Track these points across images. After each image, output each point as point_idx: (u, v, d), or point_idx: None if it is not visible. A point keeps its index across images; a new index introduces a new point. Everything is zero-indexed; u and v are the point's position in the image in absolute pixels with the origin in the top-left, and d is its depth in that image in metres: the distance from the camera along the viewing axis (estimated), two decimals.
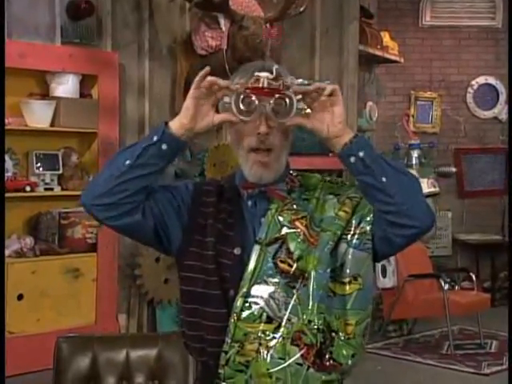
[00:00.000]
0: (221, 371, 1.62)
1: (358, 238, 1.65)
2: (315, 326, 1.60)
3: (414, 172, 5.79)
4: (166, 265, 4.40)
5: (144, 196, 1.68)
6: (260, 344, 1.59)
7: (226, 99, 1.66)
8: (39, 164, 3.93)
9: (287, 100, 1.62)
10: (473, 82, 7.36)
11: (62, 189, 4.00)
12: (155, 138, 1.65)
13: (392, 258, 5.34)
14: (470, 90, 7.36)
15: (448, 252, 7.28)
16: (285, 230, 1.66)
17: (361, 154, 1.59)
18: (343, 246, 1.66)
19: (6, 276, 3.57)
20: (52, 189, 3.96)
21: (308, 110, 1.65)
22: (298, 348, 1.59)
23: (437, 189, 5.83)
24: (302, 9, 4.38)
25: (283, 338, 1.59)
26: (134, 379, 2.19)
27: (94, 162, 4.09)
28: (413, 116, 7.17)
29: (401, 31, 6.97)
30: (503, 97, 7.37)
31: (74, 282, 3.97)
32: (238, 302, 1.62)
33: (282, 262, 1.64)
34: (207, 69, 1.66)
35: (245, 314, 1.61)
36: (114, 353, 2.20)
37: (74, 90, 4.01)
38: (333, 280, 1.64)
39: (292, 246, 1.65)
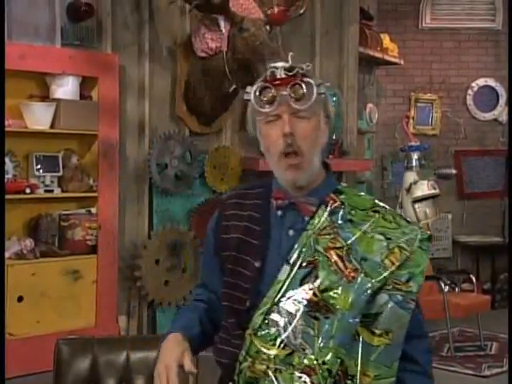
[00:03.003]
0: (235, 378, 1.61)
1: (402, 295, 1.57)
2: (328, 369, 1.53)
3: (413, 174, 5.80)
4: (166, 267, 4.40)
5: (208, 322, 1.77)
6: (268, 367, 1.55)
7: (246, 96, 1.67)
8: (39, 166, 3.93)
9: (304, 86, 1.62)
10: (473, 84, 7.36)
11: (62, 191, 3.99)
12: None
13: None
14: (469, 91, 7.37)
15: (448, 254, 7.28)
16: (318, 257, 1.59)
17: None
18: (384, 297, 1.57)
19: (6, 278, 3.57)
20: (52, 191, 3.96)
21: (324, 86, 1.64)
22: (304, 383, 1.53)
23: (437, 190, 5.83)
24: (302, 11, 4.38)
25: (293, 367, 1.53)
26: (134, 381, 2.18)
27: (95, 163, 4.09)
28: (413, 118, 7.17)
29: (401, 33, 6.98)
30: (503, 99, 7.37)
31: (73, 283, 3.97)
32: (258, 319, 1.58)
33: (309, 288, 1.57)
34: None
35: (261, 332, 1.57)
36: (114, 355, 2.19)
37: (74, 92, 4.01)
38: (362, 325, 1.56)
39: (321, 275, 1.57)
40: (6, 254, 3.68)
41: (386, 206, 1.70)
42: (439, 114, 7.31)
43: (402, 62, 6.58)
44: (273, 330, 1.56)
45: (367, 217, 1.65)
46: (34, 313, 3.81)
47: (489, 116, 7.43)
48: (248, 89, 1.67)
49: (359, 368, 1.55)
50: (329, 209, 1.65)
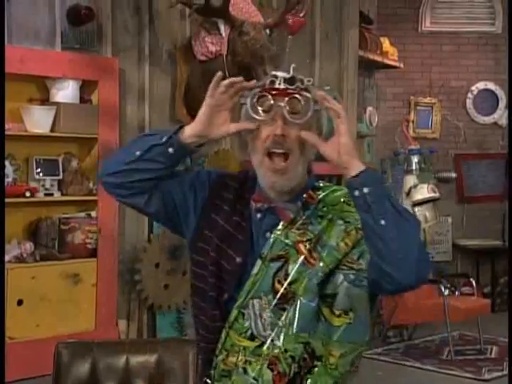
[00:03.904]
0: (211, 372, 1.66)
1: (354, 274, 1.61)
2: (291, 355, 1.58)
3: (413, 177, 5.81)
4: (166, 270, 4.40)
5: (152, 185, 1.71)
6: (238, 359, 1.60)
7: (242, 100, 1.67)
8: (39, 169, 3.93)
9: (303, 100, 1.62)
10: (472, 88, 7.36)
11: (62, 194, 3.99)
12: (164, 139, 1.67)
13: None
14: (469, 95, 7.37)
15: (448, 257, 7.28)
16: (288, 250, 1.64)
17: (365, 189, 1.51)
18: (339, 277, 1.61)
19: (5, 281, 3.56)
20: (52, 194, 3.96)
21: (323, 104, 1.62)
22: (271, 373, 1.58)
23: (437, 194, 5.83)
24: (301, 14, 4.39)
25: (262, 358, 1.59)
26: None
27: (94, 167, 4.09)
28: (413, 121, 7.17)
29: (400, 37, 6.98)
30: (503, 102, 7.38)
31: (73, 287, 3.97)
32: (234, 313, 1.63)
33: (278, 282, 1.62)
34: (220, 74, 1.69)
35: (236, 325, 1.63)
36: (114, 358, 2.20)
37: (74, 96, 4.01)
38: (325, 306, 1.61)
39: (291, 269, 1.62)
40: (6, 258, 3.68)
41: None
42: (439, 117, 7.32)
43: (402, 66, 6.59)
44: (246, 323, 1.61)
45: (334, 208, 1.68)
46: (34, 316, 3.81)
47: (488, 119, 7.43)
48: (245, 93, 1.67)
49: (326, 348, 1.60)
50: (302, 203, 1.67)
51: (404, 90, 7.22)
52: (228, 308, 1.65)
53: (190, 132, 1.68)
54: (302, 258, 1.62)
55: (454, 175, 7.09)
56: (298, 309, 1.59)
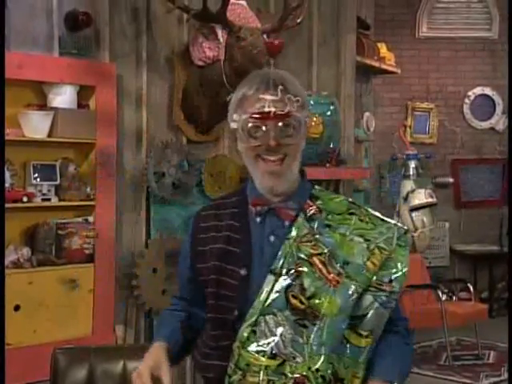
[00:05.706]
0: None
1: (386, 296, 1.60)
2: (322, 375, 1.54)
3: (411, 183, 5.82)
4: (164, 275, 4.39)
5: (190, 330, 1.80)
6: (260, 378, 1.55)
7: (233, 125, 1.66)
8: (36, 175, 3.92)
9: (295, 123, 1.62)
10: (469, 93, 7.38)
11: (60, 199, 3.99)
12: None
13: None
14: (466, 100, 7.39)
15: (445, 263, 7.29)
16: (301, 264, 1.60)
17: None
18: (369, 299, 1.59)
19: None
20: (49, 199, 3.95)
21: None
22: None
23: (434, 199, 5.84)
24: (299, 20, 4.39)
25: (285, 376, 1.55)
26: None
27: (92, 172, 4.09)
28: (410, 127, 7.19)
29: (397, 42, 7.00)
30: (500, 107, 7.40)
31: (71, 292, 3.96)
32: (245, 332, 1.58)
33: (294, 297, 1.58)
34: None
35: (250, 344, 1.58)
36: (111, 364, 2.19)
37: (71, 101, 4.01)
38: (349, 328, 1.58)
39: (306, 283, 1.58)
40: None
41: (361, 206, 1.72)
42: (436, 122, 7.33)
43: (399, 71, 6.60)
44: (262, 341, 1.57)
45: (344, 220, 1.66)
46: (31, 322, 3.80)
47: (485, 125, 7.45)
48: (235, 117, 1.67)
49: (349, 371, 1.57)
50: (307, 215, 1.66)
51: (401, 96, 7.24)
52: (239, 324, 1.61)
53: None
54: (318, 271, 1.59)
55: (451, 180, 7.11)
56: (328, 328, 1.56)
